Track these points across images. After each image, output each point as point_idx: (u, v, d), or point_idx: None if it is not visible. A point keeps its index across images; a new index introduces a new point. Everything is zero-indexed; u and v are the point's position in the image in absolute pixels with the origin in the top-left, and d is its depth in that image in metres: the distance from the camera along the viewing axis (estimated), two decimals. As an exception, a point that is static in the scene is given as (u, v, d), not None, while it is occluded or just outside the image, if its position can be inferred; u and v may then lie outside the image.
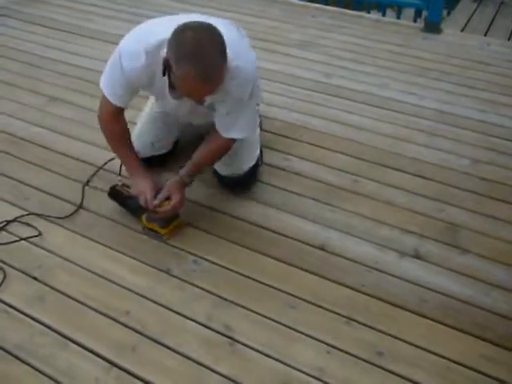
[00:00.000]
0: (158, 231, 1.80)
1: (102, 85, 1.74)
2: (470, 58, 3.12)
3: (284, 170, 2.16)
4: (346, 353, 1.47)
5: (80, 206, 1.94)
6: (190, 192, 1.86)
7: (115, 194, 1.90)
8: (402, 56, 3.12)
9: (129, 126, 1.85)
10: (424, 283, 1.68)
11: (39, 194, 2.01)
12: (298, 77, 2.85)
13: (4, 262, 1.72)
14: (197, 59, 1.40)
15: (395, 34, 3.42)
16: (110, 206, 1.93)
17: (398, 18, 3.94)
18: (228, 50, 1.48)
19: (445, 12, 3.72)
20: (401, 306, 1.61)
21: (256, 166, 2.01)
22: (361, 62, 3.04)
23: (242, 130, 1.76)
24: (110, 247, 1.79)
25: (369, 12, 4.07)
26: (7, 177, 2.09)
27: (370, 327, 1.54)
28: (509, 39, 3.55)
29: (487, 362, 1.46)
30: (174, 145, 2.13)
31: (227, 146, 1.80)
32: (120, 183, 1.91)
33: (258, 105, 1.97)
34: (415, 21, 3.77)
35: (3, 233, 1.83)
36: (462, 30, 3.68)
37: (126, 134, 1.84)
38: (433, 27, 3.43)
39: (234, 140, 1.78)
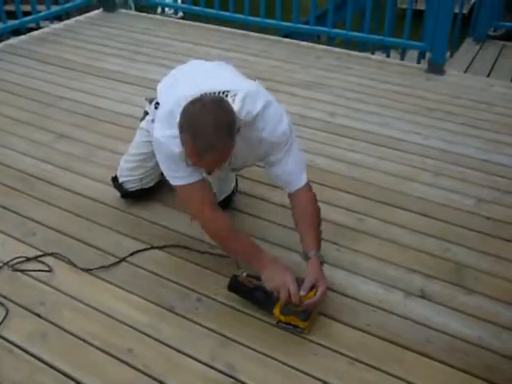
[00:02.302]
0: (298, 325, 1.60)
1: (175, 181, 1.68)
2: (473, 98, 3.15)
3: (287, 208, 2.16)
4: (351, 395, 1.45)
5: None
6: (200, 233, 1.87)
7: (238, 286, 1.69)
8: (406, 96, 3.16)
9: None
10: (430, 323, 1.66)
11: (46, 230, 2.02)
12: (302, 116, 2.89)
13: (7, 298, 1.71)
14: (193, 134, 1.46)
15: (399, 75, 3.48)
16: (113, 242, 1.94)
17: (402, 59, 4.00)
18: (248, 103, 1.57)
19: (448, 53, 3.77)
20: (406, 347, 1.59)
21: (231, 195, 2.11)
22: (365, 101, 3.08)
23: (300, 169, 1.73)
24: (112, 283, 1.79)
25: (373, 53, 4.14)
26: (15, 213, 2.11)
27: (374, 368, 1.52)
28: (511, 80, 3.59)
29: (495, 405, 1.43)
30: (160, 176, 2.14)
31: (311, 194, 1.75)
32: (244, 274, 1.70)
33: None
34: (419, 62, 3.82)
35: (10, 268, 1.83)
36: (465, 71, 3.73)
37: (233, 225, 1.73)
38: (436, 68, 3.48)
39: (307, 183, 1.74)
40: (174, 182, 1.69)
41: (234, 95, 1.58)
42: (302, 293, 1.56)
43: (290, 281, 1.57)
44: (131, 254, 1.89)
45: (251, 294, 1.67)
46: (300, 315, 1.59)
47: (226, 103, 1.52)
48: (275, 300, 1.60)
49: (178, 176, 1.67)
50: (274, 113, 1.66)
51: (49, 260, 1.86)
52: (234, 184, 2.14)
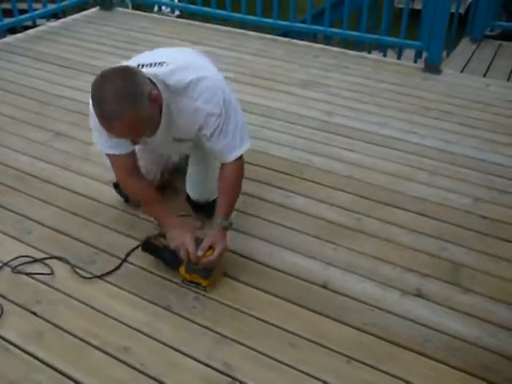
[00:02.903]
0: (199, 282, 1.74)
1: (106, 150, 1.77)
2: (470, 98, 3.16)
3: (285, 207, 2.17)
4: (348, 393, 1.45)
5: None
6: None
7: (150, 247, 1.84)
8: (402, 95, 3.16)
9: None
10: (427, 322, 1.66)
11: (43, 228, 2.02)
12: (300, 115, 2.89)
13: (3, 297, 1.71)
14: (97, 102, 1.49)
15: (396, 74, 3.48)
16: (109, 240, 1.94)
17: (399, 58, 4.01)
18: (182, 72, 1.62)
19: (444, 53, 3.77)
20: (404, 346, 1.59)
21: None
22: (362, 101, 3.08)
23: (238, 144, 1.75)
24: (108, 282, 1.79)
25: (370, 52, 4.14)
26: (12, 211, 2.10)
27: (372, 367, 1.52)
28: (508, 80, 3.60)
29: (492, 404, 1.44)
30: (167, 173, 2.17)
31: (239, 169, 1.79)
32: (156, 232, 1.90)
33: None
34: (415, 61, 3.83)
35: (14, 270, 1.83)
36: (462, 71, 3.74)
37: (150, 187, 1.86)
38: (433, 68, 3.49)
39: (240, 158, 1.77)
40: (104, 149, 1.77)
41: (168, 65, 1.63)
42: (200, 252, 1.69)
43: (189, 241, 1.71)
44: (128, 254, 1.89)
45: (161, 254, 1.81)
46: (201, 273, 1.72)
47: (136, 74, 1.52)
48: (181, 261, 1.73)
49: (108, 145, 1.73)
50: (210, 85, 1.67)
51: (48, 261, 1.86)
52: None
